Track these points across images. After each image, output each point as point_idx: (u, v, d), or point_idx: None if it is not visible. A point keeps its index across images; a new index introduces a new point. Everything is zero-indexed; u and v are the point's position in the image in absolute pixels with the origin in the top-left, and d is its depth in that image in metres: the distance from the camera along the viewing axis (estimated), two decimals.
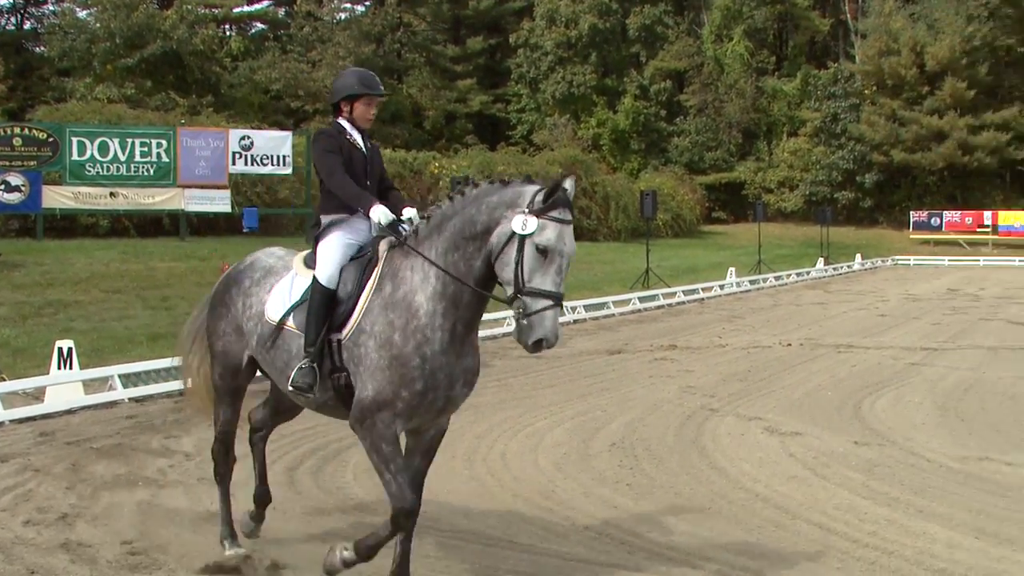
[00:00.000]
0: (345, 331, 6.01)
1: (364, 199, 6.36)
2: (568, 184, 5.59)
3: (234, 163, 35.02)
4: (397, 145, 54.44)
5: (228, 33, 67.27)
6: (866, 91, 65.32)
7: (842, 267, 44.77)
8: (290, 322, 6.33)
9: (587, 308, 23.46)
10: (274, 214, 38.34)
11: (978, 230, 58.14)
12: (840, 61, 70.94)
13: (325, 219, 6.51)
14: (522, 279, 5.51)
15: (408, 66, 68.69)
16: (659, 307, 26.20)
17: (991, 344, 18.62)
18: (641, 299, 26.36)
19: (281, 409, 7.30)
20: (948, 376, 14.87)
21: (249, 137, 35.85)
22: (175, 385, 11.91)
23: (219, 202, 35.09)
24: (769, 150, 69.19)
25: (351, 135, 6.67)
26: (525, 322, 5.48)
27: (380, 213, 6.25)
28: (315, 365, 6.07)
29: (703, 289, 29.72)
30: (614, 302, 24.35)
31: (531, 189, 5.68)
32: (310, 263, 6.45)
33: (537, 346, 5.48)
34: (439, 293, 5.85)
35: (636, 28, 71.59)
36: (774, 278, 35.69)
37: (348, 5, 71.44)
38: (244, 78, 59.80)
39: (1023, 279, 39.25)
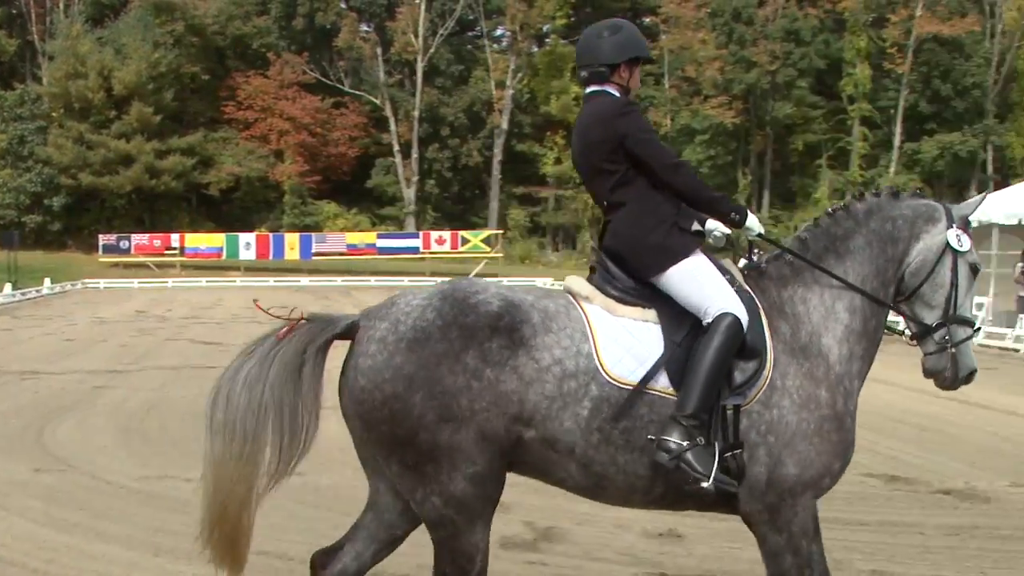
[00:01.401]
0: (753, 392, 4.45)
1: (726, 202, 4.78)
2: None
3: None
4: None
5: None
6: (54, 113, 64.72)
7: (31, 292, 44.04)
8: (662, 383, 4.42)
9: None
10: None
11: (166, 252, 60.16)
12: (28, 82, 69.50)
13: (672, 233, 4.71)
14: (955, 304, 4.81)
15: None
16: None
17: (175, 364, 19.08)
18: None
19: (390, 528, 4.79)
20: (131, 398, 15.08)
21: None
22: None
23: None
24: None
25: None
26: (953, 351, 4.79)
27: (757, 222, 4.84)
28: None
29: None
30: None
31: (937, 203, 4.98)
32: (627, 296, 4.63)
33: (970, 378, 4.87)
34: (857, 332, 4.73)
35: None
36: None
37: None
38: None
39: (208, 299, 41.46)
